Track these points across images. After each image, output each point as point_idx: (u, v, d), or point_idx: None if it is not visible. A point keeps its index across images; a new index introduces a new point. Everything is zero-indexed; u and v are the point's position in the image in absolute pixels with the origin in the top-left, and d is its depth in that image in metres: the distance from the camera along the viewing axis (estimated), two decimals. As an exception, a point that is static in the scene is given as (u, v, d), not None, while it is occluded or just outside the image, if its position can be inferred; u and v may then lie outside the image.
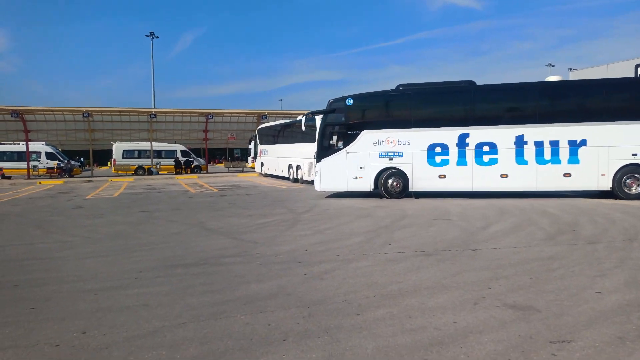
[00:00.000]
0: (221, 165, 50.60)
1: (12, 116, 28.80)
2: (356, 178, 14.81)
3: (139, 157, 37.71)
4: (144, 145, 36.69)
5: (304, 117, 16.16)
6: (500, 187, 14.12)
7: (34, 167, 32.98)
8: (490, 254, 6.63)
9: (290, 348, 3.52)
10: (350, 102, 14.83)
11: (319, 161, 15.13)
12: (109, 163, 46.16)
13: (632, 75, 14.34)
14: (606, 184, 13.33)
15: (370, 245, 7.42)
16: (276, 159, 26.29)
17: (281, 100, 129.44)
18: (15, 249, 7.88)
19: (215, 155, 64.88)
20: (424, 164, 14.46)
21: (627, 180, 13.11)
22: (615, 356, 3.31)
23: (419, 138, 14.47)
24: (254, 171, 32.95)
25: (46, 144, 34.92)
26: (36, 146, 33.61)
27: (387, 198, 14.44)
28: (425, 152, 14.44)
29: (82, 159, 38.43)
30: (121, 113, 32.43)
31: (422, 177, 14.51)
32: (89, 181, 28.39)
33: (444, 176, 14.31)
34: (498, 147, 14.00)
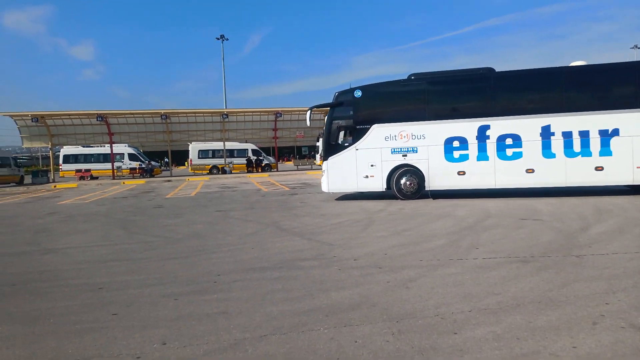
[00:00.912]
0: (290, 164, 51.27)
1: (97, 120, 30.84)
2: (367, 177, 13.69)
3: (213, 156, 39.11)
4: (218, 145, 37.94)
5: (308, 111, 14.84)
6: (525, 183, 13.01)
7: (118, 167, 35.20)
8: (599, 260, 5.84)
9: (382, 371, 3.16)
10: (358, 93, 13.71)
11: (326, 159, 14.08)
12: (185, 163, 48.32)
13: None
14: None
15: (455, 249, 6.86)
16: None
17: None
18: (100, 249, 8.17)
19: (283, 153, 65.95)
20: (441, 159, 13.34)
21: None
22: None
23: (435, 131, 13.37)
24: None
25: (128, 146, 37.13)
26: (120, 148, 35.82)
27: (401, 199, 13.40)
28: (442, 147, 13.34)
29: (166, 159, 40.52)
30: (196, 114, 33.66)
31: (439, 175, 13.40)
32: (168, 181, 29.76)
33: (463, 173, 13.21)
34: (522, 139, 12.87)
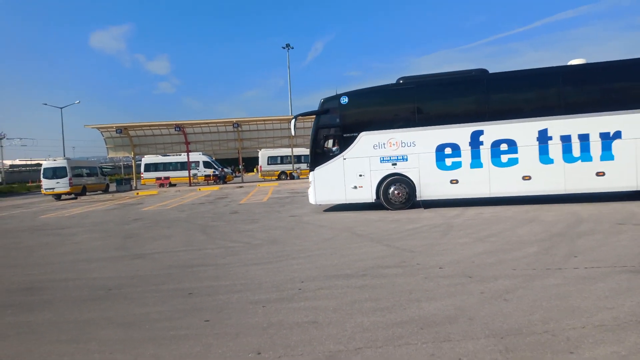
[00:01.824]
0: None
1: (175, 130, 32.45)
2: (355, 187, 13.06)
3: (281, 162, 39.95)
4: (285, 152, 38.68)
5: (293, 119, 14.25)
6: (522, 191, 12.20)
7: (194, 175, 36.84)
8: None
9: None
10: (345, 100, 13.06)
11: (313, 170, 13.47)
12: (254, 169, 49.66)
13: None
14: None
15: (550, 258, 6.35)
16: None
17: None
18: (186, 254, 8.45)
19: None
20: (433, 168, 12.65)
21: None
22: None
23: (426, 138, 12.64)
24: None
25: (203, 154, 38.76)
26: (195, 156, 37.49)
27: (389, 209, 12.81)
28: (434, 154, 12.64)
29: (240, 166, 42.02)
30: (265, 122, 34.43)
31: (430, 184, 12.71)
32: (240, 187, 30.66)
33: (456, 181, 12.51)
34: (518, 144, 12.12)
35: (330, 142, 13.68)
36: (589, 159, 11.75)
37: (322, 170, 13.27)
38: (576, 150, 11.82)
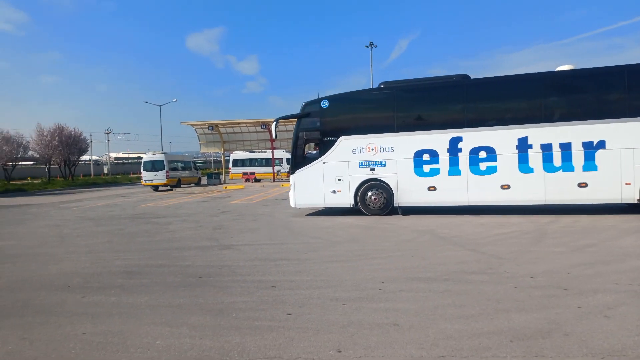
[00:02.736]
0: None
1: (261, 128, 33.70)
2: (334, 192, 12.93)
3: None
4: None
5: (274, 122, 14.08)
6: (501, 200, 11.81)
7: (278, 171, 38.01)
8: None
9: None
10: (325, 104, 12.92)
11: (293, 173, 13.45)
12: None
13: None
14: (632, 195, 10.82)
15: (661, 273, 5.71)
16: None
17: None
18: (269, 247, 8.74)
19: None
20: (411, 174, 12.39)
21: None
22: None
23: (404, 144, 12.40)
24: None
25: (285, 151, 39.89)
26: (278, 153, 38.68)
27: (367, 215, 12.63)
28: (412, 161, 12.38)
29: None
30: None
31: (408, 190, 12.44)
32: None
33: (434, 188, 12.22)
34: (497, 152, 11.77)
35: (311, 145, 13.81)
36: (571, 169, 11.30)
37: (302, 173, 13.30)
38: (557, 160, 11.38)
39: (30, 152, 49.23)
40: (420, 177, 12.37)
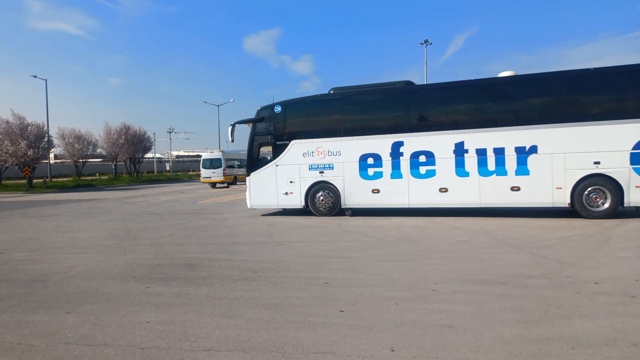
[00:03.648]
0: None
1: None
2: (287, 194, 13.51)
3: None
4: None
5: (230, 127, 14.42)
6: (439, 202, 12.16)
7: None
8: None
9: None
10: (278, 109, 13.54)
11: (249, 175, 14.06)
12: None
13: None
14: (563, 199, 11.10)
15: None
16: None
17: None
18: (321, 245, 8.85)
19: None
20: (356, 177, 12.82)
21: (592, 195, 10.90)
22: None
23: (350, 148, 12.83)
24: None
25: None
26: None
27: (316, 216, 13.23)
28: (357, 164, 12.80)
29: None
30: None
31: (354, 192, 12.91)
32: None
33: (378, 191, 12.64)
34: (436, 156, 12.07)
35: (265, 149, 14.31)
36: (504, 173, 11.51)
37: (257, 175, 13.89)
38: (491, 164, 11.61)
39: (98, 150, 52.46)
40: (365, 180, 12.81)
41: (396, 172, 12.50)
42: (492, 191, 11.63)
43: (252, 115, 14.06)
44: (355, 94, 13.31)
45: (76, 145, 47.43)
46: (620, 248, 7.63)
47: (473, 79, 12.16)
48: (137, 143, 52.12)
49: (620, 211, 11.24)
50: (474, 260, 7.07)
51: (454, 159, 11.93)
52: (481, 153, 11.70)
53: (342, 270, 6.62)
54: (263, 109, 13.89)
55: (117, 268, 7.28)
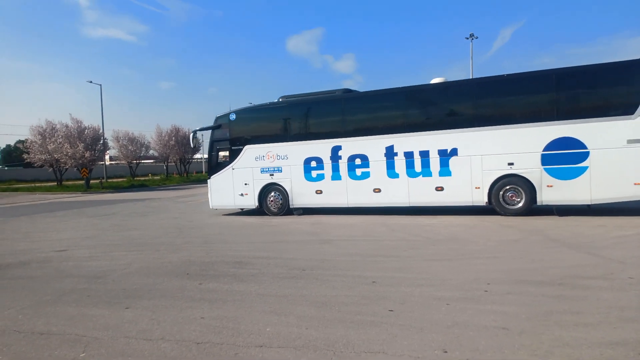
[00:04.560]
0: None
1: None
2: (242, 195, 14.37)
3: None
4: None
5: (191, 133, 15.37)
6: (373, 202, 12.92)
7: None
8: None
9: None
10: (233, 117, 14.46)
11: (209, 178, 15.00)
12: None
13: None
14: (481, 198, 11.70)
15: None
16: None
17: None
18: (367, 243, 8.83)
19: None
20: (302, 179, 13.65)
21: (508, 194, 11.45)
22: None
23: (296, 152, 13.67)
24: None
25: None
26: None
27: (269, 215, 14.05)
28: (302, 167, 13.61)
29: None
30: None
31: (300, 193, 13.75)
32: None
33: (321, 192, 13.47)
34: (369, 159, 12.82)
35: (223, 154, 15.10)
36: (429, 174, 12.15)
37: (216, 178, 14.82)
38: (418, 166, 12.26)
39: (151, 151, 54.52)
40: (309, 182, 13.58)
41: (336, 174, 13.28)
42: (420, 191, 12.34)
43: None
44: (300, 102, 14.24)
45: (130, 147, 49.53)
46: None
47: (401, 86, 12.94)
48: (186, 144, 53.75)
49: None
50: (526, 260, 6.83)
51: (386, 161, 12.68)
52: (409, 156, 12.41)
53: (390, 269, 6.57)
54: (220, 117, 14.90)
55: (171, 265, 7.56)
